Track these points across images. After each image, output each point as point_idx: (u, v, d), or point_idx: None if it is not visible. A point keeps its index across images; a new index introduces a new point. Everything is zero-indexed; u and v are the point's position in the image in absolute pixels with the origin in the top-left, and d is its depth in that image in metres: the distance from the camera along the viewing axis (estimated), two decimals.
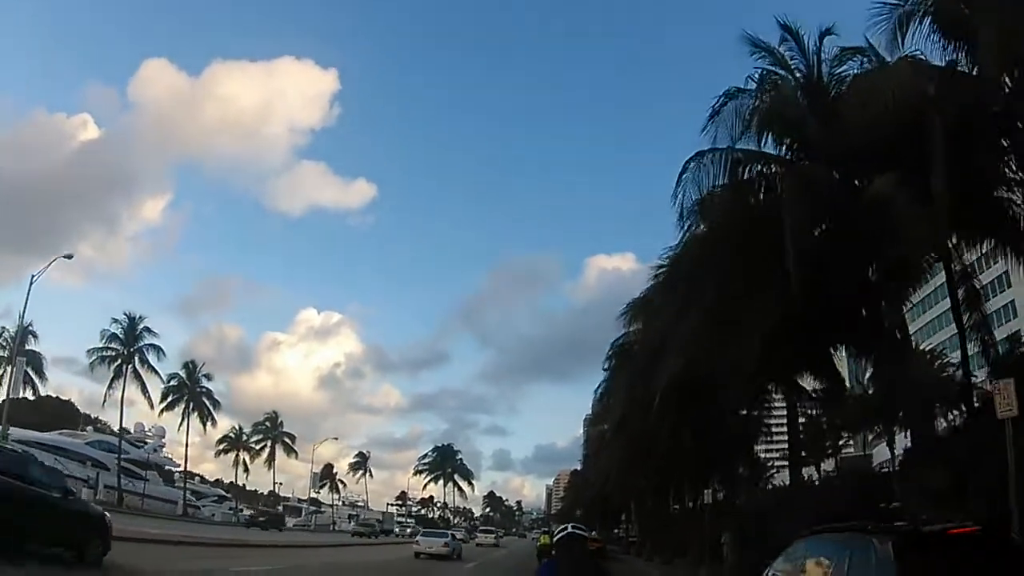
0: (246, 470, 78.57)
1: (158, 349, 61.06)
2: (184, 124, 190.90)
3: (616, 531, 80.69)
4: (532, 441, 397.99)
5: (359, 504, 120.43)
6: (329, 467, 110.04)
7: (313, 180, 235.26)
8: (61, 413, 79.15)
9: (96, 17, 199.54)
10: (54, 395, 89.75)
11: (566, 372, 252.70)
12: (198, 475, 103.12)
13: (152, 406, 61.93)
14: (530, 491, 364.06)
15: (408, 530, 79.16)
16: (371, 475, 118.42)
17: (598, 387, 38.17)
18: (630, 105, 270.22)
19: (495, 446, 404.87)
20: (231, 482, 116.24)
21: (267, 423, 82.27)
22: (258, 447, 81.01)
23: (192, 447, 79.52)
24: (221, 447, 76.74)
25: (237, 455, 75.97)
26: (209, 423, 68.94)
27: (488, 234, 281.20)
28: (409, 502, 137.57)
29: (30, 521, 11.75)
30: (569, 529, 5.02)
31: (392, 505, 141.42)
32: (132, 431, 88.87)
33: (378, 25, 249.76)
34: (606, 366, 30.12)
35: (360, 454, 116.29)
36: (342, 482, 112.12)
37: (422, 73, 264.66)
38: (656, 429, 25.34)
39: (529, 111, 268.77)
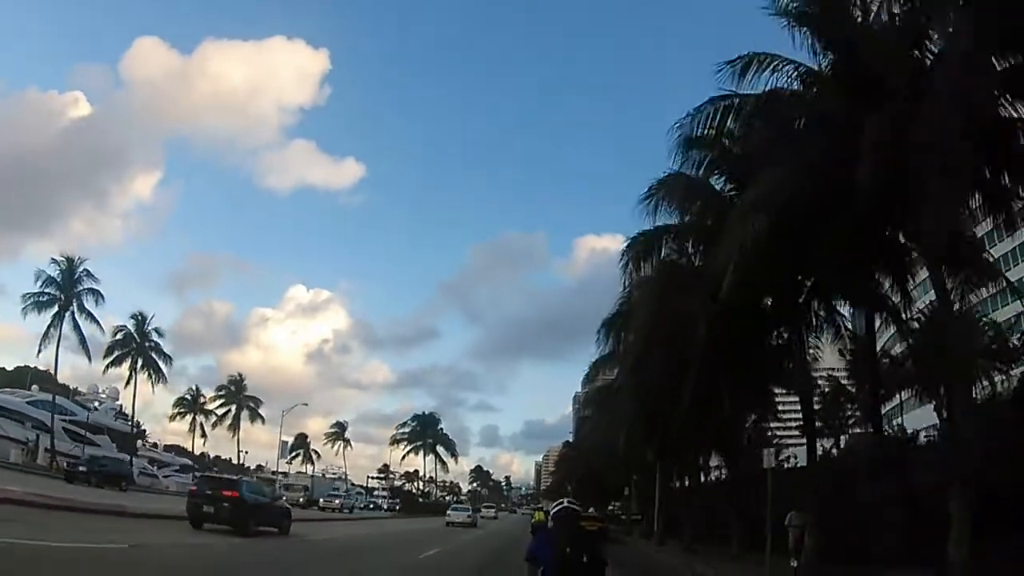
0: (203, 435, 71.03)
1: (97, 294, 53.46)
2: (175, 102, 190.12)
3: (611, 508, 74.33)
4: (521, 417, 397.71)
5: (340, 478, 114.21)
6: (303, 436, 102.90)
7: (303, 158, 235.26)
8: (39, 385, 71.56)
9: None
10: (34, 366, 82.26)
11: (555, 350, 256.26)
12: (156, 443, 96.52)
13: (89, 358, 54.27)
14: (519, 467, 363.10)
15: (337, 501, 63.77)
16: (350, 446, 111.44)
17: (601, 327, 30.12)
18: (622, 86, 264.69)
19: (484, 422, 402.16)
20: (217, 455, 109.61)
21: (231, 386, 74.50)
22: (221, 412, 73.44)
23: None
24: (177, 411, 69.02)
25: (194, 419, 68.25)
26: (160, 384, 61.33)
27: (477, 214, 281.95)
28: (391, 475, 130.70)
29: (262, 515, 22.92)
30: (564, 503, 5.38)
31: (374, 478, 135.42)
32: (85, 391, 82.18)
33: (369, 5, 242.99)
34: (623, 262, 21.99)
35: (338, 423, 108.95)
36: (316, 452, 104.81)
37: (412, 53, 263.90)
38: (690, 361, 18.33)
39: (519, 93, 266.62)
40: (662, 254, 21.95)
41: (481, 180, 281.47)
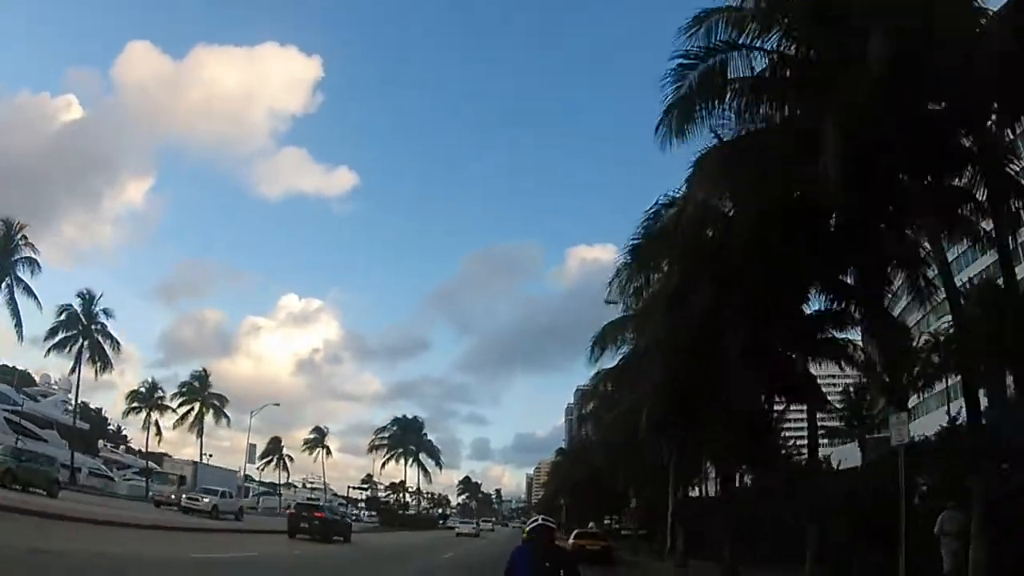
0: (158, 433, 63.84)
1: (33, 263, 47.01)
2: (167, 107, 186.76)
3: (609, 522, 67.72)
4: (512, 430, 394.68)
5: (318, 487, 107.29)
6: (276, 440, 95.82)
7: (294, 166, 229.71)
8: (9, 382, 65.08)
9: None
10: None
11: (546, 361, 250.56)
12: (139, 448, 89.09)
13: (21, 338, 47.60)
14: (509, 480, 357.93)
15: (206, 499, 38.93)
16: (331, 454, 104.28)
17: (610, 281, 24.98)
18: (618, 97, 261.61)
19: (475, 435, 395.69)
20: (206, 464, 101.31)
21: (194, 382, 67.50)
22: (183, 411, 66.40)
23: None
24: (131, 406, 61.85)
25: (148, 416, 61.20)
26: (107, 371, 54.55)
27: (469, 225, 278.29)
28: (374, 485, 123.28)
29: (335, 528, 32.25)
30: (539, 520, 6.01)
31: (356, 488, 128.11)
32: (37, 383, 75.47)
33: (363, 12, 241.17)
34: (660, 131, 14.27)
35: (317, 429, 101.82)
36: (289, 457, 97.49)
37: (405, 62, 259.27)
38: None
39: (512, 102, 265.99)
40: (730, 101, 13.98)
41: (474, 190, 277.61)
